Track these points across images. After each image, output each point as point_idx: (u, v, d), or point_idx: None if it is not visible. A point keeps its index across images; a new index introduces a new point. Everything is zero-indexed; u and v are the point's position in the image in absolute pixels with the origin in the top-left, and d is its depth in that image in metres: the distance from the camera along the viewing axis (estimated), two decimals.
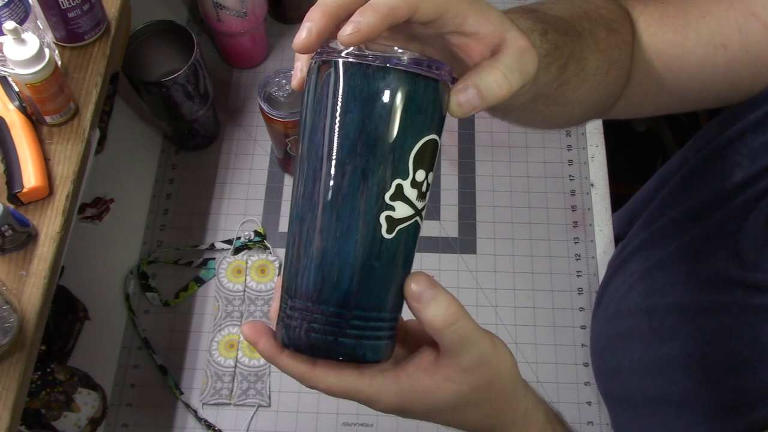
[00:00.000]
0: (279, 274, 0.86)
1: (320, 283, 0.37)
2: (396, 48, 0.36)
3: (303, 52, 0.36)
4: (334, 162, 0.36)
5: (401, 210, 0.37)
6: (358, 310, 0.37)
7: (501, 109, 0.48)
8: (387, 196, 0.36)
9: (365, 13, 0.34)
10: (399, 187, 0.36)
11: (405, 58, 0.36)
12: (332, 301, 0.37)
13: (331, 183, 0.36)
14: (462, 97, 0.36)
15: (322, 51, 0.36)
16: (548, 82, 0.46)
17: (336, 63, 0.36)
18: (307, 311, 0.37)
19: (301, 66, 0.39)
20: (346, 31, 0.34)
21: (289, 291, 0.38)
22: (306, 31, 0.35)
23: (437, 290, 0.37)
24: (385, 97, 0.35)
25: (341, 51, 0.36)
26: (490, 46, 0.37)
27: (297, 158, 0.38)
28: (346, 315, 0.37)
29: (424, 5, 0.35)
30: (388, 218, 0.36)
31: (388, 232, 0.37)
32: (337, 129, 0.36)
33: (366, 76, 0.35)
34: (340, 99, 0.35)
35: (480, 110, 0.37)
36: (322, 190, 0.36)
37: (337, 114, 0.35)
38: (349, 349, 0.37)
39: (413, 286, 0.37)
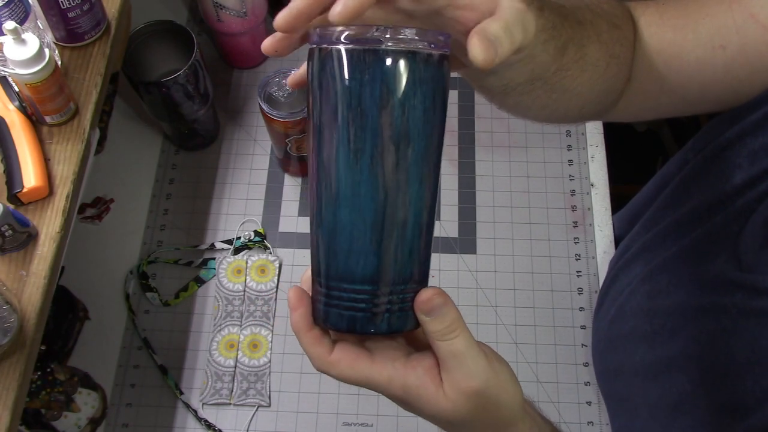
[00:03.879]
0: (279, 274, 0.86)
1: (386, 266, 0.38)
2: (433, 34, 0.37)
3: (282, 29, 0.37)
4: (417, 156, 0.37)
5: (437, 187, 0.40)
6: (414, 283, 0.40)
7: (498, 91, 0.48)
8: (439, 178, 0.40)
9: None
10: (439, 167, 0.40)
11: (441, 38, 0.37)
12: (399, 279, 0.39)
13: (399, 175, 0.37)
14: (486, 45, 0.35)
15: (370, 40, 0.36)
16: (546, 63, 0.45)
17: (410, 54, 0.36)
18: (374, 294, 0.39)
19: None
20: (336, 9, 0.35)
21: (343, 278, 0.39)
22: (287, 9, 0.36)
23: (446, 308, 0.39)
24: (439, 84, 0.37)
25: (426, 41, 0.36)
26: (485, 14, 0.37)
27: (341, 155, 0.37)
28: (407, 289, 0.39)
29: None
30: (434, 196, 0.39)
31: (433, 211, 0.40)
32: (397, 123, 0.36)
33: (440, 67, 0.37)
34: (403, 93, 0.36)
35: (500, 59, 0.36)
36: (384, 181, 0.37)
37: (396, 108, 0.36)
38: (411, 319, 0.40)
39: (424, 302, 0.39)
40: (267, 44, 0.39)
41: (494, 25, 0.36)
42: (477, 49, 0.35)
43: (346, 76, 0.36)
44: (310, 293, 0.41)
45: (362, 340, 0.41)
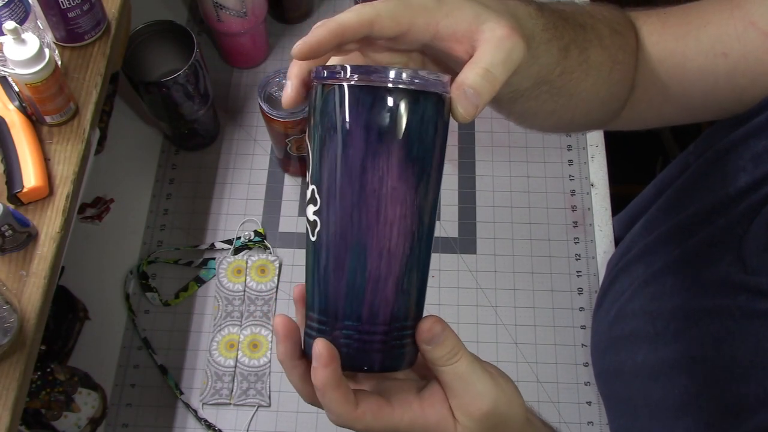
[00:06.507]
0: (279, 274, 0.86)
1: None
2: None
3: (299, 58, 0.37)
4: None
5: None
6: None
7: (506, 99, 0.48)
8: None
9: (315, 29, 0.35)
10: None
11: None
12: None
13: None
14: (464, 102, 0.36)
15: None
16: (550, 65, 0.45)
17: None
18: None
19: (294, 84, 0.39)
20: (296, 45, 0.36)
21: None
22: (307, 41, 0.36)
23: (446, 334, 0.39)
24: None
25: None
26: (471, 42, 0.37)
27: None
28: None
29: (381, 22, 0.36)
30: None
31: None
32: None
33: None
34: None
35: (483, 107, 0.37)
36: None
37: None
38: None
39: (425, 332, 0.39)
40: (289, 100, 0.39)
41: (470, 76, 0.36)
42: (458, 110, 0.37)
43: (440, 120, 0.36)
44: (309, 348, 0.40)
45: (376, 385, 0.41)
